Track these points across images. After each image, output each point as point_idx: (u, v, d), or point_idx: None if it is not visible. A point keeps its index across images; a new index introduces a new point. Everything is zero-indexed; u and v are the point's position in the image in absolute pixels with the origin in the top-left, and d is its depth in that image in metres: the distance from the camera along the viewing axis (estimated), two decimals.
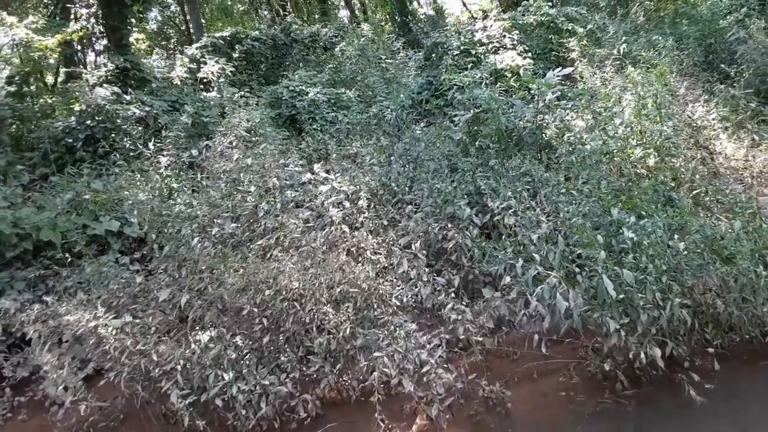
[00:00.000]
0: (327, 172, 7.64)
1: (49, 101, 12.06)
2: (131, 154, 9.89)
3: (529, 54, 10.42)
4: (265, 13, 17.60)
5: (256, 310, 4.81)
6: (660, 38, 11.21)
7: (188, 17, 21.97)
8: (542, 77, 6.70)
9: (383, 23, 20.81)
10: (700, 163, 6.67)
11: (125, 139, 10.34)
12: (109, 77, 12.27)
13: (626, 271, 3.96)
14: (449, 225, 5.71)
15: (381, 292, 5.21)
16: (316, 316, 4.83)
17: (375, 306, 5.09)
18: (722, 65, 10.75)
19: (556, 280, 4.13)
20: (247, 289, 4.91)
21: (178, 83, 13.24)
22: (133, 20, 13.25)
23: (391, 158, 6.91)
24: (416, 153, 6.82)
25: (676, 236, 4.36)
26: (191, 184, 7.77)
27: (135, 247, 6.90)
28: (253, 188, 6.56)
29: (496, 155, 6.54)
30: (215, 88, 12.77)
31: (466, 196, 6.09)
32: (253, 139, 8.65)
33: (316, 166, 7.58)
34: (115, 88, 11.46)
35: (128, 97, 11.20)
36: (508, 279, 4.59)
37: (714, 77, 10.03)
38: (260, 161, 7.14)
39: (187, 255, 5.62)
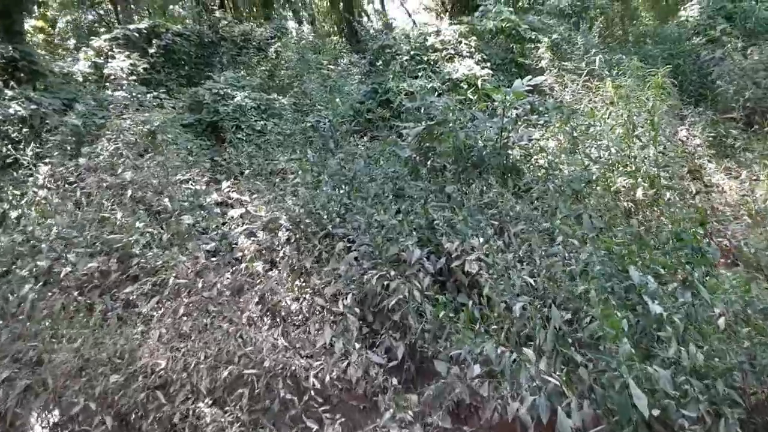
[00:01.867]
0: (241, 192, 6.03)
1: None
2: (6, 160, 7.97)
3: (488, 64, 9.18)
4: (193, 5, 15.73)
5: (93, 406, 3.13)
6: (624, 57, 10.26)
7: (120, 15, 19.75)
8: (504, 89, 5.37)
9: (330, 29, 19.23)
10: (699, 198, 5.47)
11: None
12: None
13: (661, 372, 2.54)
14: (392, 272, 4.21)
15: (293, 369, 3.65)
16: (191, 413, 3.21)
17: (281, 393, 3.51)
18: (692, 87, 9.87)
19: (554, 384, 2.67)
20: (83, 372, 3.23)
21: (80, 80, 11.29)
22: (30, 5, 11.25)
23: (320, 178, 5.36)
24: (352, 173, 5.30)
25: (717, 310, 3.01)
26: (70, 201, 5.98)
27: None
28: (120, 214, 4.85)
29: (453, 179, 5.11)
30: (123, 87, 10.89)
31: (415, 232, 4.61)
32: (154, 147, 6.91)
33: (225, 185, 5.96)
34: None
35: (10, 93, 9.21)
36: (476, 369, 3.11)
37: (686, 99, 9.08)
38: (149, 175, 5.43)
39: (15, 309, 3.88)
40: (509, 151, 6.07)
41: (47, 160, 7.63)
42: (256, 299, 4.48)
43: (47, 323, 3.56)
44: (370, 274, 4.14)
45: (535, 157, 6.18)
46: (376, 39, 11.00)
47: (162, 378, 3.32)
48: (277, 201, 5.38)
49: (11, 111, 8.98)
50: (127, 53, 11.62)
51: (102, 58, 11.75)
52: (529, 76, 5.77)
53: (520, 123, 5.94)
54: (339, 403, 3.88)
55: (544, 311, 3.41)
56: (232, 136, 9.60)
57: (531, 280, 3.75)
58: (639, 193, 5.44)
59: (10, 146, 7.98)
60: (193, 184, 5.75)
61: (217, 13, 14.98)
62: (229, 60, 13.04)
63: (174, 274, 4.34)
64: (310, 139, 8.35)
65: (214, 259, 5.12)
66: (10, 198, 6.36)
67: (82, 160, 6.50)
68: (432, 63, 9.33)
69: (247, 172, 6.44)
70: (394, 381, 3.60)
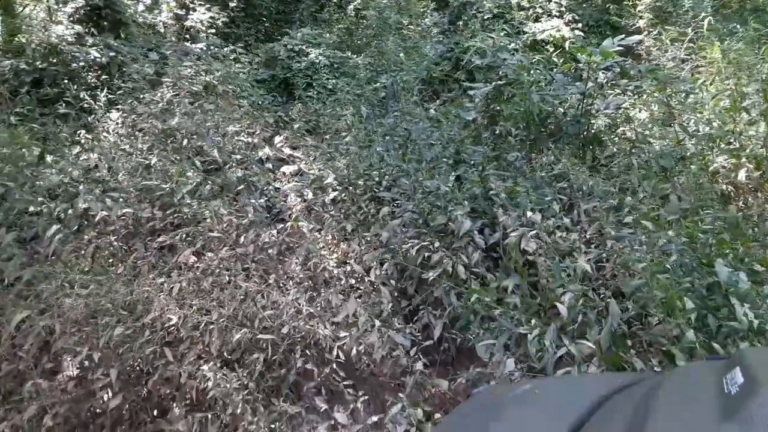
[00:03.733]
0: (294, 148, 5.74)
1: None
2: (83, 104, 8.13)
3: (579, 24, 8.32)
4: None
5: (96, 357, 2.95)
6: (738, 26, 9.02)
7: None
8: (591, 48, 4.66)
9: None
10: None
11: (77, 88, 8.55)
12: (79, 15, 10.45)
13: None
14: (436, 243, 3.76)
15: (317, 338, 3.32)
16: (199, 374, 2.96)
17: (298, 362, 3.20)
18: None
19: None
20: (89, 320, 3.05)
21: (162, 31, 11.40)
22: None
23: (372, 138, 4.95)
24: (407, 134, 4.84)
25: None
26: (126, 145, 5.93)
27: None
28: (163, 162, 4.66)
29: (519, 146, 4.54)
30: (202, 40, 10.88)
31: (469, 202, 4.12)
32: (214, 97, 6.74)
33: (278, 139, 5.68)
34: (79, 27, 9.65)
35: (91, 40, 9.38)
36: (510, 364, 2.64)
37: None
38: (199, 123, 5.22)
39: (42, 249, 3.79)
40: (591, 120, 5.39)
41: (119, 107, 7.69)
42: (297, 260, 4.20)
43: (62, 267, 3.41)
44: (411, 244, 3.72)
45: (622, 128, 5.45)
46: None
47: (172, 334, 3.09)
48: (327, 159, 5.03)
49: (91, 57, 9.15)
50: (207, 6, 11.60)
51: (183, 9, 11.80)
52: (622, 36, 5.03)
53: (606, 88, 5.22)
54: (366, 379, 3.54)
55: (605, 303, 2.87)
56: (302, 92, 9.36)
57: (589, 267, 3.18)
58: (741, 174, 4.64)
59: (85, 92, 8.11)
60: (246, 136, 5.50)
61: None
62: (309, 16, 12.77)
63: (208, 227, 4.12)
64: (380, 100, 7.94)
65: (264, 214, 4.89)
66: (82, 141, 6.41)
67: (140, 107, 6.44)
68: (516, 22, 8.58)
69: (296, 126, 6.13)
70: (419, 365, 3.18)
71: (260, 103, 8.98)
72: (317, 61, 10.00)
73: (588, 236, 3.87)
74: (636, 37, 4.95)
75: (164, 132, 5.21)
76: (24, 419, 2.84)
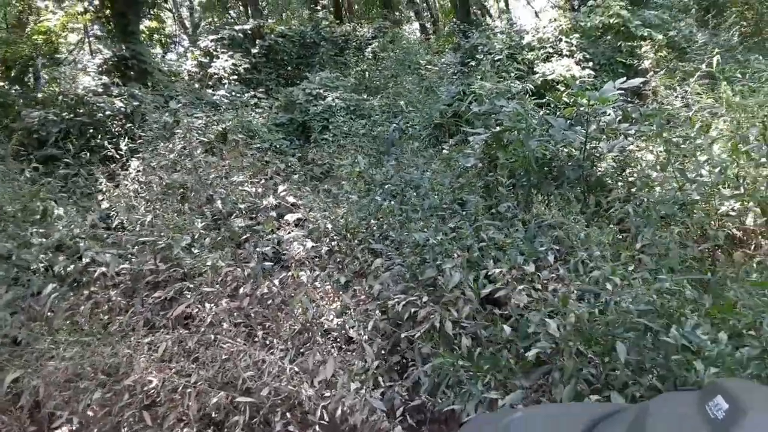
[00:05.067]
0: (297, 197, 5.80)
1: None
2: (105, 153, 8.43)
3: (590, 64, 8.26)
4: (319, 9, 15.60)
5: (75, 420, 2.98)
6: (761, 57, 8.79)
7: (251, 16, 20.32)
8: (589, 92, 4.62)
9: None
10: None
11: (101, 137, 8.89)
12: (107, 66, 10.94)
13: None
14: (425, 297, 3.71)
15: (300, 398, 3.29)
16: None
17: (277, 426, 3.16)
18: None
19: None
20: (70, 383, 3.09)
21: (186, 78, 11.79)
22: (145, 8, 11.94)
23: (370, 187, 4.97)
24: (403, 183, 4.84)
25: None
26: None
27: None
28: (168, 215, 4.76)
29: (514, 194, 4.48)
30: (224, 86, 11.22)
31: (461, 253, 4.06)
32: (226, 146, 6.90)
33: (281, 188, 5.75)
34: (105, 78, 10.09)
35: (116, 90, 9.78)
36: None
37: None
38: (204, 176, 5.34)
39: (39, 307, 3.88)
40: (595, 164, 5.32)
41: (140, 155, 7.93)
42: (293, 312, 4.20)
43: (55, 326, 3.49)
44: (398, 299, 3.68)
45: (628, 171, 5.35)
46: (475, 38, 10.35)
47: (151, 397, 3.10)
48: (325, 208, 5.07)
49: (116, 107, 9.53)
50: (230, 53, 12.00)
51: (207, 57, 12.22)
52: (623, 78, 4.97)
53: (607, 132, 5.14)
54: None
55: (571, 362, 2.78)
56: (318, 135, 9.51)
57: (556, 325, 3.08)
58: (749, 219, 4.48)
59: (109, 141, 8.40)
60: (251, 186, 5.59)
61: (320, 14, 15.09)
62: (328, 60, 13.06)
63: (203, 281, 4.16)
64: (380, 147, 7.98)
65: (266, 264, 4.93)
66: (104, 190, 6.62)
67: (154, 159, 6.62)
68: (527, 62, 8.58)
69: (295, 177, 6.21)
70: (398, 430, 3.11)
71: (278, 147, 9.17)
72: (333, 104, 10.19)
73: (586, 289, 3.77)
74: (638, 80, 4.87)
75: (169, 185, 5.34)
76: None
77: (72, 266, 4.26)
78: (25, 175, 5.57)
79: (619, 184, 5.22)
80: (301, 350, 3.69)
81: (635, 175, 4.95)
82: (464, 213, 4.35)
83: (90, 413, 2.98)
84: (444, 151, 6.76)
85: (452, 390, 3.08)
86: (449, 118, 7.19)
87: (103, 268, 4.24)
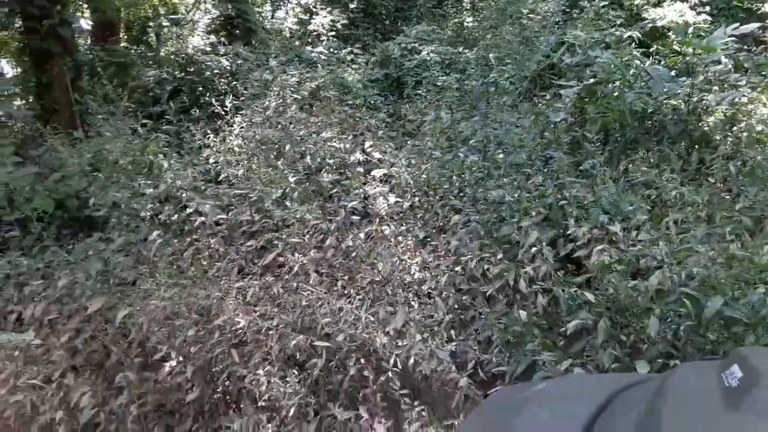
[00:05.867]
0: (383, 152, 5.88)
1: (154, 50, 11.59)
2: (212, 110, 8.96)
3: (707, 8, 7.48)
4: None
5: (173, 354, 3.34)
6: None
7: None
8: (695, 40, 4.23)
9: None
10: None
11: (208, 95, 9.43)
12: (214, 26, 11.49)
13: None
14: (499, 255, 3.70)
15: (375, 346, 3.45)
16: (257, 378, 3.23)
17: (351, 370, 3.35)
18: None
19: None
20: (167, 321, 3.44)
21: (287, 35, 12.10)
22: None
23: (452, 143, 4.94)
24: (486, 138, 4.76)
25: None
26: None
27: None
28: (263, 168, 5.03)
29: (602, 150, 4.27)
30: (322, 43, 11.42)
31: (543, 211, 3.99)
32: (319, 101, 7.10)
33: (368, 144, 5.86)
34: (213, 38, 10.61)
35: (223, 49, 10.26)
36: None
37: None
38: (293, 131, 5.56)
39: (145, 251, 4.31)
40: (702, 118, 4.93)
41: (242, 112, 8.36)
42: (377, 265, 4.36)
43: (160, 269, 3.87)
44: (471, 255, 3.70)
45: (737, 126, 4.91)
46: None
47: (239, 337, 3.39)
48: (409, 164, 5.13)
49: (222, 65, 10.02)
50: (329, 9, 12.13)
51: (307, 14, 12.43)
52: (736, 24, 4.52)
53: (716, 82, 4.72)
54: (422, 389, 3.62)
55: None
56: (411, 91, 9.48)
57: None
58: None
59: (216, 98, 8.88)
60: (339, 142, 5.74)
61: None
62: (426, 13, 12.81)
63: (290, 233, 4.40)
64: (487, 96, 7.81)
65: (353, 218, 5.12)
66: (210, 144, 7.09)
67: (254, 116, 6.95)
68: (635, 8, 7.94)
69: (380, 133, 6.26)
70: (463, 381, 3.19)
71: (371, 102, 9.27)
72: (428, 58, 10.06)
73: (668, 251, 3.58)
74: (753, 25, 4.42)
75: (263, 141, 5.62)
76: (115, 405, 3.31)
77: (176, 215, 4.65)
78: (138, 131, 6.07)
79: (728, 140, 4.81)
80: (379, 302, 3.84)
81: (745, 131, 4.53)
82: (546, 170, 4.23)
83: (186, 348, 3.32)
84: (535, 105, 6.53)
85: (505, 350, 3.10)
86: (543, 71, 6.89)
87: (203, 218, 4.59)
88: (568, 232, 3.69)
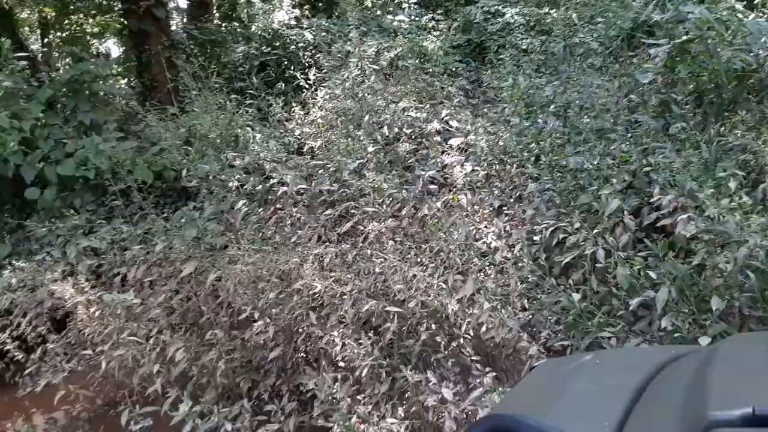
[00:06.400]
0: (461, 121, 5.83)
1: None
2: (297, 83, 9.20)
3: None
4: None
5: (256, 315, 3.56)
6: None
7: None
8: None
9: None
10: None
11: (293, 68, 9.69)
12: (299, 0, 11.70)
13: None
14: (576, 224, 3.61)
15: (447, 312, 3.51)
16: (332, 339, 3.39)
17: (422, 335, 3.44)
18: None
19: None
20: (251, 284, 3.66)
21: (369, 5, 12.10)
22: None
23: (531, 109, 4.80)
24: (566, 103, 4.59)
25: None
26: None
27: None
28: (342, 139, 5.14)
29: (692, 114, 4.00)
30: (403, 11, 11.33)
31: (627, 178, 3.84)
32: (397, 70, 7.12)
33: (445, 113, 5.82)
34: (297, 12, 10.82)
35: (306, 22, 10.46)
36: None
37: None
38: (370, 102, 5.62)
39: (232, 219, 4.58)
40: None
41: (325, 84, 8.53)
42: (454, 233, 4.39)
43: (244, 236, 4.11)
44: (546, 224, 3.64)
45: None
46: None
47: (316, 301, 3.56)
48: (486, 132, 5.05)
49: (306, 39, 10.22)
50: None
51: None
52: None
53: None
54: (495, 356, 3.65)
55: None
56: (494, 56, 9.23)
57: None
58: None
59: (300, 72, 9.11)
60: (416, 111, 5.75)
61: None
62: None
63: (367, 202, 4.51)
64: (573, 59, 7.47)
65: (430, 187, 5.16)
66: (294, 117, 7.34)
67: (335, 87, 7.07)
68: None
69: (456, 101, 6.17)
70: (533, 349, 3.17)
71: (453, 70, 9.14)
72: (512, 21, 9.73)
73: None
74: None
75: (342, 112, 5.74)
76: (206, 360, 3.59)
77: (260, 186, 4.89)
78: (226, 106, 6.38)
79: None
80: (450, 270, 3.87)
81: None
82: (630, 135, 4.03)
83: (268, 310, 3.53)
84: (624, 67, 6.17)
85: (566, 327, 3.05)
86: (635, 30, 6.48)
87: (285, 188, 4.79)
88: (651, 200, 3.53)
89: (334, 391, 3.09)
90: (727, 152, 3.88)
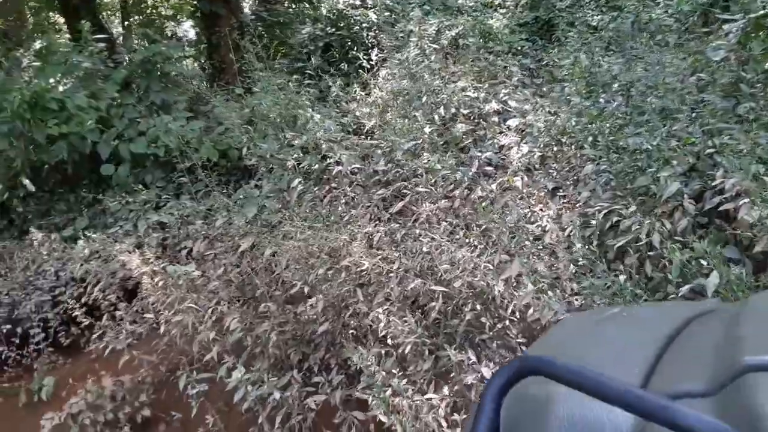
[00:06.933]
0: (519, 101, 5.71)
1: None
2: (360, 63, 9.25)
3: None
4: None
5: (306, 290, 3.68)
6: None
7: None
8: None
9: None
10: None
11: (356, 49, 9.73)
12: None
13: None
14: (632, 207, 3.49)
15: (493, 293, 3.50)
16: (379, 317, 3.46)
17: (467, 316, 3.45)
18: None
19: None
20: (302, 260, 3.77)
21: None
22: None
23: (593, 88, 4.63)
24: (629, 81, 4.39)
25: None
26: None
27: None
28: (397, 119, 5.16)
29: (763, 92, 3.75)
30: None
31: (690, 160, 3.66)
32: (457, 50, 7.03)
33: (504, 92, 5.71)
34: None
35: (371, 1, 10.47)
36: None
37: None
38: (427, 82, 5.59)
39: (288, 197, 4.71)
40: None
41: (386, 64, 8.54)
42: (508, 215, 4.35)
43: (299, 213, 4.24)
44: (599, 207, 3.54)
45: None
46: None
47: (363, 278, 3.63)
48: (547, 112, 4.93)
49: (369, 19, 10.23)
50: None
51: None
52: None
53: None
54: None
55: None
56: (561, 33, 8.92)
57: None
58: None
59: (363, 52, 9.14)
60: (473, 91, 5.67)
61: None
62: None
63: (419, 182, 4.53)
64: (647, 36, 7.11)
65: (486, 168, 5.13)
66: (357, 97, 7.41)
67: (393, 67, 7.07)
68: None
69: (515, 80, 6.01)
70: None
71: (518, 48, 8.92)
72: None
73: None
74: None
75: (399, 92, 5.75)
76: (260, 331, 3.75)
77: (317, 165, 5.00)
78: (287, 87, 6.53)
79: None
80: (505, 251, 3.84)
81: None
82: (694, 115, 3.83)
83: (318, 285, 3.64)
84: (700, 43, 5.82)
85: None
86: (713, 5, 6.09)
87: (339, 167, 4.88)
88: (714, 183, 3.36)
89: (374, 366, 3.16)
90: None
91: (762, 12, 4.06)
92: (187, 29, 14.40)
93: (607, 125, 4.08)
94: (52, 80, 6.36)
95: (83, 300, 4.58)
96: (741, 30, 4.28)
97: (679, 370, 0.90)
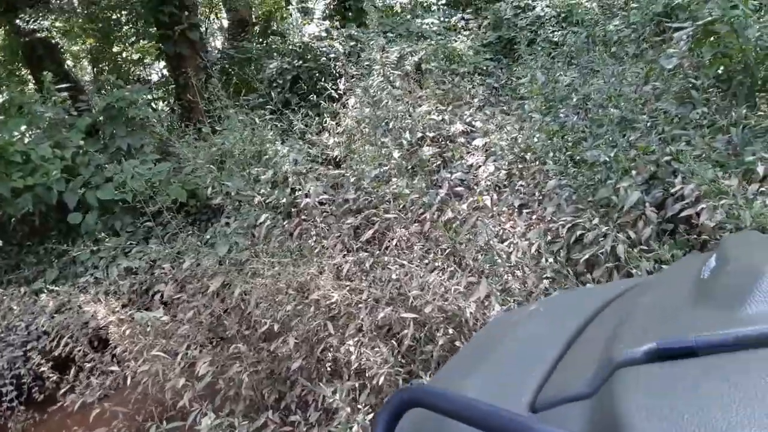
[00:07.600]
0: (484, 120, 5.75)
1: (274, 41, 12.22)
2: (328, 94, 9.30)
3: None
4: None
5: (276, 327, 3.61)
6: None
7: None
8: None
9: None
10: None
11: (324, 79, 9.80)
12: (329, 11, 11.85)
13: None
14: (595, 219, 3.49)
15: (465, 316, 3.46)
16: (351, 348, 3.40)
17: (439, 341, 3.40)
18: None
19: None
20: (270, 297, 3.71)
21: (399, 11, 12.12)
22: None
23: (551, 104, 4.67)
24: (585, 95, 4.44)
25: None
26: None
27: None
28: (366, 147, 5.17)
29: (715, 97, 3.81)
30: (432, 13, 11.30)
31: (650, 168, 3.69)
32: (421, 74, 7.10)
33: (468, 113, 5.76)
34: (327, 23, 10.96)
35: (335, 33, 10.58)
36: None
37: None
38: (390, 108, 5.62)
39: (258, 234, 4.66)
40: None
41: (354, 92, 8.58)
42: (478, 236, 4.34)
43: (266, 249, 4.18)
44: (563, 221, 3.54)
45: None
46: None
47: (333, 311, 3.58)
48: (505, 129, 4.97)
49: (335, 50, 10.34)
50: None
51: None
52: None
53: None
54: None
55: None
56: (523, 51, 9.07)
57: None
58: None
59: (330, 82, 9.19)
60: (437, 114, 5.71)
61: None
62: None
63: (386, 209, 4.51)
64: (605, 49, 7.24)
65: (459, 189, 5.13)
66: (327, 127, 7.42)
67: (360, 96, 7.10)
68: None
69: (476, 101, 6.07)
70: None
71: (483, 68, 9.03)
72: (542, 13, 9.55)
73: None
74: None
75: (361, 120, 5.77)
76: (233, 373, 3.67)
77: (284, 198, 4.97)
78: (252, 123, 6.52)
79: None
80: (473, 273, 3.82)
81: None
82: (650, 124, 3.87)
83: (288, 321, 3.58)
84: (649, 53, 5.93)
85: None
86: (668, 15, 6.23)
87: (308, 199, 4.86)
88: (674, 190, 3.38)
89: (337, 402, 3.08)
90: (757, 136, 3.67)
91: (709, 18, 4.14)
92: (159, 71, 14.46)
93: (569, 139, 4.11)
94: (16, 133, 6.30)
95: (57, 353, 4.47)
96: (690, 37, 4.37)
97: (573, 368, 0.86)
